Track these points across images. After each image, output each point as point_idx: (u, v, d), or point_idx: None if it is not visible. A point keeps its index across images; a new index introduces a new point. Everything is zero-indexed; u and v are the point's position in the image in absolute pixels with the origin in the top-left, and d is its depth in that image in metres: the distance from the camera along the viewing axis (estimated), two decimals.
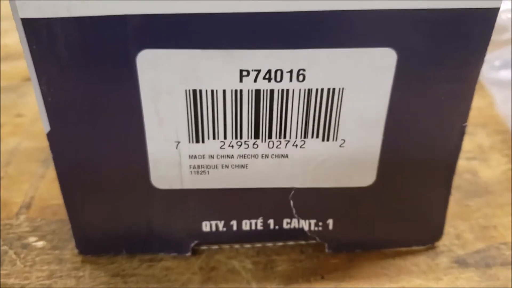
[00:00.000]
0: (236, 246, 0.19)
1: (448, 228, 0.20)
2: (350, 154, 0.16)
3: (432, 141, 0.16)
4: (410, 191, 0.18)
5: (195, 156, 0.16)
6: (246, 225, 0.18)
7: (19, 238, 0.20)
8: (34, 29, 0.13)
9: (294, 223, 0.18)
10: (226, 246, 0.19)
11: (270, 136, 0.16)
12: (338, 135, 0.16)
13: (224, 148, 0.16)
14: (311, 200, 0.18)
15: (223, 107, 0.15)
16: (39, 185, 0.22)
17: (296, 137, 0.16)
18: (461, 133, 0.16)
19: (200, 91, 0.15)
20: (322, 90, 0.15)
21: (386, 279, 0.18)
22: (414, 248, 0.19)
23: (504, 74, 0.26)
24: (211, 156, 0.16)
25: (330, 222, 0.18)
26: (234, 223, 0.18)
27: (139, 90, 0.15)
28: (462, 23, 0.14)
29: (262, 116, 0.15)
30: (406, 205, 0.18)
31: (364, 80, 0.15)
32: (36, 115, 0.27)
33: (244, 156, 0.16)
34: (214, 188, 0.17)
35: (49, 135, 0.16)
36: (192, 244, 0.19)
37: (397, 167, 0.17)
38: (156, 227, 0.18)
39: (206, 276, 0.18)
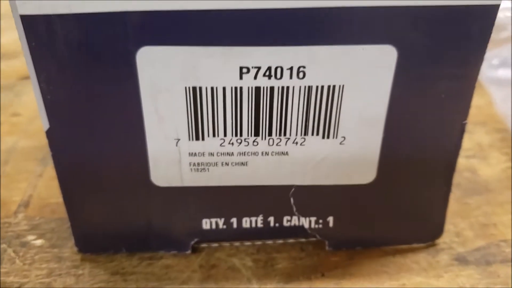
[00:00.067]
0: (236, 243, 0.19)
1: (448, 226, 0.20)
2: (350, 152, 0.16)
3: (432, 139, 0.16)
4: (410, 188, 0.18)
5: (195, 153, 0.16)
6: (246, 222, 0.18)
7: (18, 237, 0.20)
8: (33, 26, 0.13)
9: (294, 220, 0.18)
10: (226, 244, 0.19)
11: (270, 134, 0.16)
12: (338, 132, 0.16)
13: (224, 146, 0.16)
14: (312, 197, 0.18)
15: (223, 105, 0.15)
16: (37, 184, 0.22)
17: (296, 135, 0.16)
18: (461, 131, 0.16)
19: (200, 88, 0.15)
20: (322, 87, 0.15)
21: (386, 277, 0.18)
22: (414, 245, 0.19)
23: (503, 72, 0.26)
24: (211, 153, 0.16)
25: (331, 219, 0.18)
26: (234, 220, 0.18)
27: (139, 87, 0.15)
28: (463, 20, 0.14)
29: (262, 113, 0.15)
30: (406, 203, 0.18)
31: (365, 77, 0.15)
32: (33, 114, 0.27)
33: (244, 154, 0.16)
34: (214, 186, 0.17)
35: (48, 133, 0.16)
36: (192, 242, 0.19)
37: (397, 164, 0.17)
38: (156, 225, 0.18)
39: (206, 274, 0.18)
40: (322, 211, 0.18)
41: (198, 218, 0.18)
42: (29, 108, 0.27)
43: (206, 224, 0.18)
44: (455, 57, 0.14)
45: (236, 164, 0.17)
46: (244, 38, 0.14)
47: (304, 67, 0.14)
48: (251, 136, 0.16)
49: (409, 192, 0.18)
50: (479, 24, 0.14)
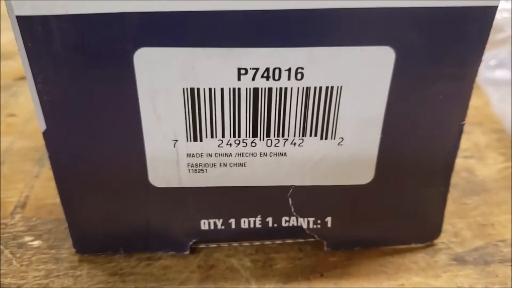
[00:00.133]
0: (235, 244, 0.19)
1: (446, 226, 0.20)
2: (348, 152, 0.16)
3: (430, 139, 0.16)
4: (408, 189, 0.18)
5: (193, 154, 0.16)
6: (244, 223, 0.18)
7: (15, 238, 0.19)
8: (29, 26, 0.13)
9: (293, 221, 0.18)
10: (225, 244, 0.19)
11: (268, 135, 0.16)
12: (337, 133, 0.16)
13: (222, 147, 0.16)
14: (310, 198, 0.18)
15: (221, 106, 0.15)
16: (34, 184, 0.22)
17: (295, 136, 0.16)
18: (459, 132, 0.16)
19: (198, 89, 0.15)
20: (320, 88, 0.15)
21: (385, 277, 0.18)
22: (413, 245, 0.19)
23: (500, 73, 0.26)
24: (209, 154, 0.16)
25: (329, 220, 0.18)
26: (232, 221, 0.18)
27: (137, 88, 0.15)
28: (461, 21, 0.14)
29: (260, 114, 0.15)
30: (404, 203, 0.18)
31: (363, 78, 0.15)
32: (29, 115, 0.27)
33: (242, 155, 0.16)
34: (212, 187, 0.17)
35: (45, 134, 0.15)
36: (190, 243, 0.19)
37: (395, 165, 0.17)
38: (154, 225, 0.18)
39: (204, 274, 0.18)
40: (321, 211, 0.18)
41: (197, 219, 0.18)
42: (25, 109, 0.27)
43: (204, 224, 0.18)
44: (453, 58, 0.14)
45: (234, 165, 0.16)
46: (242, 39, 0.14)
47: (302, 68, 0.14)
48: (249, 137, 0.16)
49: (407, 192, 0.18)
50: (477, 25, 0.14)
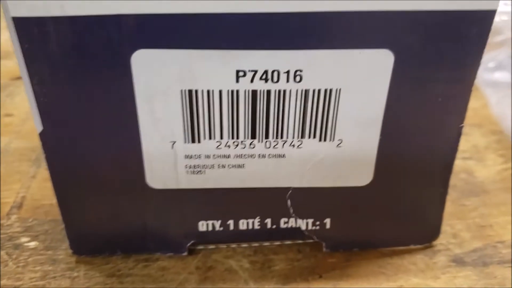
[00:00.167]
0: (233, 245, 0.19)
1: (445, 227, 0.20)
2: (347, 154, 0.16)
3: (429, 142, 0.16)
4: (407, 190, 0.18)
5: (191, 156, 0.16)
6: (243, 224, 0.18)
7: (11, 239, 0.19)
8: (26, 28, 0.13)
9: (292, 222, 0.18)
10: (223, 246, 0.19)
11: (267, 136, 0.16)
12: (335, 135, 0.16)
13: (220, 148, 0.16)
14: (309, 199, 0.17)
15: (219, 108, 0.15)
16: (30, 185, 0.22)
17: (293, 137, 0.16)
18: (458, 134, 0.16)
19: (196, 91, 0.15)
20: (319, 90, 0.15)
21: (383, 278, 0.18)
22: (412, 247, 0.19)
23: (499, 75, 0.26)
24: (207, 156, 0.16)
25: (328, 221, 0.18)
26: (231, 222, 0.18)
27: (134, 90, 0.14)
28: (459, 25, 0.14)
29: (259, 116, 0.15)
30: (403, 205, 0.18)
31: (361, 81, 0.15)
32: (25, 115, 0.26)
33: (241, 156, 0.16)
34: (210, 188, 0.17)
35: (42, 135, 0.15)
36: (189, 244, 0.19)
37: (394, 167, 0.17)
38: (151, 227, 0.18)
39: (203, 275, 0.18)
40: (319, 213, 0.18)
41: (195, 220, 0.18)
42: (21, 109, 0.27)
43: (202, 226, 0.18)
44: (452, 61, 0.14)
45: (232, 166, 0.16)
46: (241, 42, 0.14)
47: (301, 70, 0.14)
48: (247, 138, 0.16)
49: (406, 194, 0.18)
50: (476, 29, 0.14)
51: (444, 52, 0.14)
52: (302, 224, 0.18)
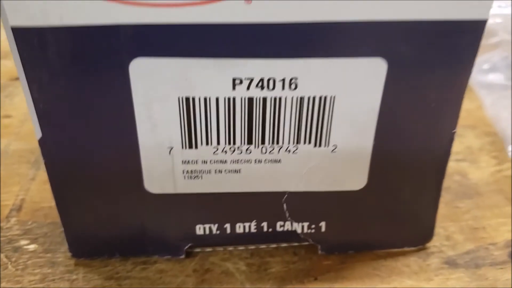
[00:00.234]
0: (230, 248, 0.19)
1: (439, 230, 0.20)
2: (341, 159, 0.16)
3: (422, 147, 0.16)
4: (401, 194, 0.18)
5: (188, 161, 0.16)
6: (239, 228, 0.18)
7: (10, 242, 0.20)
8: (25, 37, 0.13)
9: (287, 225, 0.18)
10: (220, 248, 0.19)
11: (263, 142, 0.16)
12: (330, 140, 0.16)
13: (217, 154, 0.16)
14: (304, 203, 0.18)
15: (216, 114, 0.15)
16: (29, 187, 0.22)
17: (289, 143, 0.16)
18: (451, 139, 0.16)
19: (193, 98, 0.15)
20: (314, 98, 0.15)
21: (378, 280, 0.18)
22: (406, 249, 0.19)
23: (493, 77, 0.27)
24: (204, 161, 0.16)
25: (323, 224, 0.18)
26: (227, 226, 0.18)
27: (132, 98, 0.15)
28: (451, 34, 0.14)
29: (255, 123, 0.15)
30: (397, 208, 0.18)
31: (355, 88, 0.15)
32: (25, 116, 0.26)
33: (237, 161, 0.16)
34: (207, 193, 0.17)
35: (41, 141, 0.16)
36: (186, 247, 0.19)
37: (388, 171, 0.17)
38: (149, 230, 0.18)
39: (200, 278, 0.18)
40: (315, 216, 0.18)
41: (192, 224, 0.18)
42: (20, 110, 0.27)
43: (199, 229, 0.18)
44: (444, 69, 0.15)
45: (229, 171, 0.17)
46: (237, 51, 0.14)
47: (296, 78, 0.14)
48: (244, 144, 0.16)
49: (399, 197, 0.18)
50: (468, 38, 0.14)
51: (437, 60, 0.14)
52: (297, 227, 0.18)
